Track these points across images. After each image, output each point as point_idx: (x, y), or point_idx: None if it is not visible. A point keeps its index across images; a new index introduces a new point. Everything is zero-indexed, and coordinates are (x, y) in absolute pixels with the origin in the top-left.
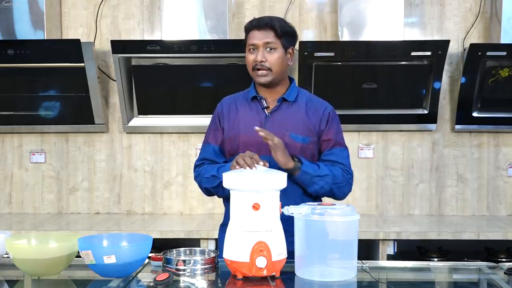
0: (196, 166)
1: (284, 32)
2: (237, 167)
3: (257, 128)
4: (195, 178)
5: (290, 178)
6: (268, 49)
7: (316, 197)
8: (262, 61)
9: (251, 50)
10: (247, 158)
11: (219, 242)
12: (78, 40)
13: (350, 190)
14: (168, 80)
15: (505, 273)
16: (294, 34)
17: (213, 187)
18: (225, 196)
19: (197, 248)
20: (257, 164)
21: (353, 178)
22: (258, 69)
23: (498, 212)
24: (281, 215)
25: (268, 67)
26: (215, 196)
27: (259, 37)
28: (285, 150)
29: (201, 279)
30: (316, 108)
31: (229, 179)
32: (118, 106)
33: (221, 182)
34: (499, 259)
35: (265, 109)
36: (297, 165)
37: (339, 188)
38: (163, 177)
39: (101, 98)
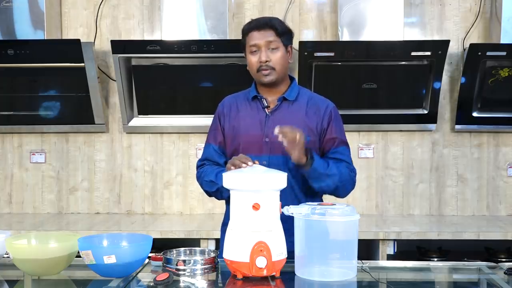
0: (198, 167)
1: (283, 30)
2: (232, 167)
3: (276, 131)
4: (197, 179)
5: (292, 171)
6: (270, 48)
7: (315, 197)
8: (267, 61)
9: (253, 51)
10: (242, 158)
11: (221, 242)
12: (78, 40)
13: (353, 189)
14: (168, 80)
15: (505, 273)
16: (291, 32)
17: (212, 192)
18: (225, 199)
19: (197, 248)
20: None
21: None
22: (263, 70)
23: (498, 212)
24: (281, 215)
25: (272, 67)
26: None
27: (260, 37)
28: (303, 146)
29: (201, 279)
30: (317, 107)
31: (229, 179)
32: (118, 106)
33: (219, 187)
34: (499, 259)
35: (266, 109)
36: (308, 162)
37: (344, 186)
38: (163, 177)
39: (101, 98)
